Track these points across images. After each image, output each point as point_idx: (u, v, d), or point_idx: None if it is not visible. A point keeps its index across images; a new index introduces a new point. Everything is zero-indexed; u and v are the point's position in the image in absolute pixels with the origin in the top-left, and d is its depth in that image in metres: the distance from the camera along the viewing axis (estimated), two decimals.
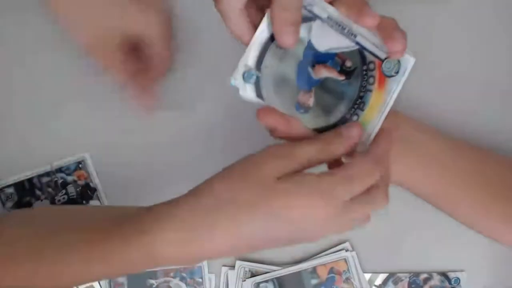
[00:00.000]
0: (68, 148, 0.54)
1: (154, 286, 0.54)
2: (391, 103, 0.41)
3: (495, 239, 0.49)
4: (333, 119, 0.41)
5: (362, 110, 0.40)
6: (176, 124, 0.54)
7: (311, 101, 0.40)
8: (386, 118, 0.42)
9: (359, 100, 0.40)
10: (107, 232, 0.39)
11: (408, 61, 0.40)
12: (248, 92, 0.39)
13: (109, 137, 0.54)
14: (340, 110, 0.40)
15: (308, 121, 0.40)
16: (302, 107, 0.40)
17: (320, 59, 0.39)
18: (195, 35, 0.54)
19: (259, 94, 0.39)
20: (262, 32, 0.38)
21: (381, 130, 0.41)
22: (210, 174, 0.51)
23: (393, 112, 0.43)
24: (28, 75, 0.54)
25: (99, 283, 0.54)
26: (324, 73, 0.40)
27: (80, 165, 0.54)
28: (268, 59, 0.39)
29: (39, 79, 0.54)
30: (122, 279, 0.54)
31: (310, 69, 0.39)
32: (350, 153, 0.40)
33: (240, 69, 0.39)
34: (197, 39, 0.54)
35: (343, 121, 0.41)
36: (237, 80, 0.39)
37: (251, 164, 0.38)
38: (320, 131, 0.41)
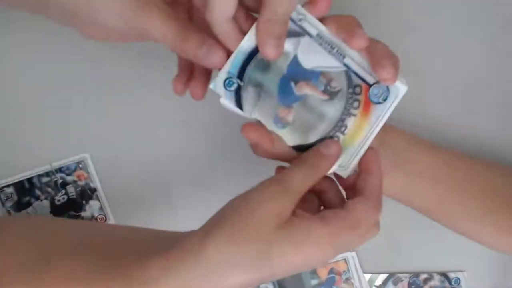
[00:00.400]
0: (68, 148, 0.54)
1: None
2: (376, 130, 0.40)
3: (495, 249, 0.49)
4: (312, 138, 0.40)
5: (343, 133, 0.39)
6: (176, 124, 0.54)
7: (290, 116, 0.39)
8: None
9: (341, 123, 0.39)
10: (109, 274, 0.37)
11: (399, 89, 0.38)
12: (227, 99, 0.38)
13: (109, 137, 0.54)
14: (320, 130, 0.39)
15: (286, 137, 0.39)
16: (280, 122, 0.39)
17: (305, 75, 0.38)
18: None
19: (238, 104, 0.39)
20: (248, 41, 0.37)
21: (369, 153, 0.40)
22: (210, 174, 0.51)
23: (383, 127, 0.42)
24: (27, 74, 0.54)
25: None
26: (306, 90, 0.39)
27: (80, 165, 0.54)
28: (251, 69, 0.38)
29: (39, 79, 0.54)
30: None
31: (292, 84, 0.39)
32: (348, 187, 0.40)
33: (222, 75, 0.38)
34: None
35: (321, 141, 0.40)
36: (217, 85, 0.38)
37: (252, 216, 0.35)
38: (298, 149, 0.40)
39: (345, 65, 0.38)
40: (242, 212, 0.36)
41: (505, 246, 0.47)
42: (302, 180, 0.37)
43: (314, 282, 0.54)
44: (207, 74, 0.42)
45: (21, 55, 0.54)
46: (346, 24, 0.37)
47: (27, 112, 0.54)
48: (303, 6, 0.38)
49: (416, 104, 0.52)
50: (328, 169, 0.39)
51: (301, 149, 0.40)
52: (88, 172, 0.54)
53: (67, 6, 0.37)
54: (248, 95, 0.38)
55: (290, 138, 0.40)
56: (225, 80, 0.38)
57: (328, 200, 0.40)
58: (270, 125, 0.39)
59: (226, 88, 0.38)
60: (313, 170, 0.38)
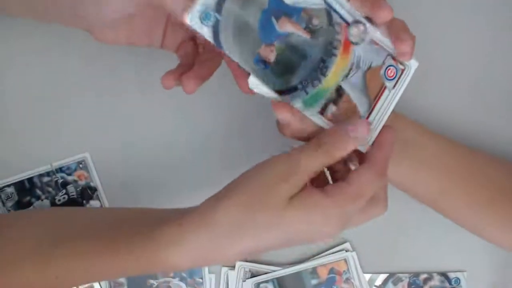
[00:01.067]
0: (68, 148, 0.54)
1: (154, 286, 0.54)
2: (393, 104, 0.40)
3: (494, 243, 0.49)
4: (294, 80, 0.38)
5: (324, 75, 0.38)
6: (177, 124, 0.54)
7: (272, 55, 0.37)
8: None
9: (322, 64, 0.38)
10: (116, 245, 0.39)
11: (411, 65, 0.40)
12: (206, 35, 0.35)
13: (109, 137, 0.54)
14: (302, 72, 0.38)
15: (268, 80, 0.37)
16: (261, 61, 0.37)
17: (286, 11, 0.36)
18: None
19: (216, 39, 0.35)
20: None
21: (385, 130, 0.41)
22: (210, 175, 0.51)
23: (393, 115, 0.43)
24: (28, 74, 0.54)
25: (99, 283, 0.54)
26: (288, 27, 0.37)
27: (81, 165, 0.54)
28: (230, 1, 0.35)
29: (39, 79, 0.54)
30: (122, 279, 0.54)
31: (274, 20, 0.36)
32: (352, 156, 0.40)
33: (198, 7, 0.34)
34: None
35: (304, 84, 0.38)
36: (193, 19, 0.34)
37: (263, 188, 0.37)
38: (281, 92, 0.38)
39: (325, 2, 0.37)
40: (253, 183, 0.37)
41: (506, 240, 0.48)
42: (316, 161, 0.37)
43: (314, 282, 0.54)
44: (207, 69, 0.42)
45: (22, 56, 0.54)
46: None
47: (27, 112, 0.54)
48: None
49: (420, 98, 0.53)
50: (347, 152, 0.38)
51: (282, 92, 0.38)
52: (88, 172, 0.54)
53: (77, 10, 0.38)
54: (227, 30, 0.35)
55: (272, 81, 0.37)
56: (202, 13, 0.34)
57: (335, 169, 0.41)
58: (251, 65, 0.36)
59: (202, 22, 0.35)
60: (328, 155, 0.38)
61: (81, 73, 0.54)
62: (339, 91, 0.39)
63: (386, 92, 0.40)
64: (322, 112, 0.39)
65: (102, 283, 0.54)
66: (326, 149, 0.38)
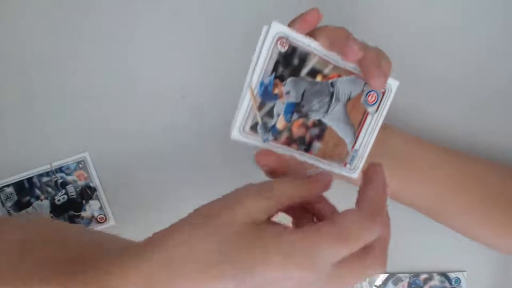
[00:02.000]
0: (68, 148, 0.54)
1: None
2: (377, 127, 0.41)
3: (495, 249, 0.49)
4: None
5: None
6: (177, 124, 0.54)
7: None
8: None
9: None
10: (72, 275, 0.33)
11: (391, 85, 0.40)
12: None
13: (109, 137, 0.54)
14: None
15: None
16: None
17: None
18: None
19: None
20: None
21: (371, 166, 0.37)
22: (211, 175, 0.51)
23: (382, 127, 0.42)
24: (28, 74, 0.54)
25: None
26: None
27: (80, 165, 0.54)
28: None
29: (39, 79, 0.54)
30: None
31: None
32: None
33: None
34: None
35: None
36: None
37: (223, 207, 0.32)
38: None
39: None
40: (213, 204, 0.33)
41: (504, 246, 0.47)
42: (287, 190, 0.34)
43: None
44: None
45: (21, 55, 0.54)
46: (338, 38, 0.37)
47: (27, 112, 0.54)
48: (292, 23, 0.37)
49: (410, 104, 0.53)
50: (319, 193, 0.36)
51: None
52: (88, 172, 0.54)
53: None
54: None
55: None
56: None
57: (318, 211, 0.37)
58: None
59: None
60: (304, 188, 0.35)
61: (81, 72, 0.54)
62: (322, 126, 0.40)
63: (369, 117, 0.41)
64: (307, 150, 0.40)
65: None
66: (302, 182, 0.35)
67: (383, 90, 0.40)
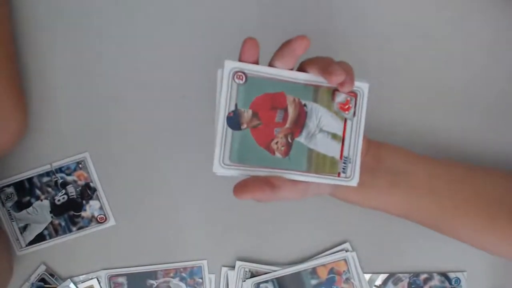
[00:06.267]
0: (68, 148, 0.54)
1: (154, 286, 0.54)
2: (360, 131, 0.41)
3: (502, 256, 0.48)
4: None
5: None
6: (177, 124, 0.54)
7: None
8: (369, 151, 0.44)
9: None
10: None
11: (362, 88, 0.41)
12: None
13: (109, 137, 0.54)
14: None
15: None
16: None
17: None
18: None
19: None
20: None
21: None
22: (211, 174, 0.51)
23: (376, 144, 0.42)
24: (27, 74, 0.54)
25: (99, 283, 0.54)
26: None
27: (80, 165, 0.54)
28: None
29: (39, 79, 0.54)
30: (122, 279, 0.54)
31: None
32: None
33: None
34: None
35: None
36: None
37: None
38: None
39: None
40: None
41: (508, 254, 0.47)
42: None
43: (314, 282, 0.54)
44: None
45: (21, 55, 0.54)
46: (325, 65, 0.38)
47: (27, 112, 0.54)
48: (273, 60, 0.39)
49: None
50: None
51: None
52: (88, 172, 0.54)
53: None
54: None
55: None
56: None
57: None
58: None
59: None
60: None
61: (82, 72, 0.54)
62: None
63: (348, 123, 0.41)
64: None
65: (102, 283, 0.54)
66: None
67: (351, 92, 0.41)
